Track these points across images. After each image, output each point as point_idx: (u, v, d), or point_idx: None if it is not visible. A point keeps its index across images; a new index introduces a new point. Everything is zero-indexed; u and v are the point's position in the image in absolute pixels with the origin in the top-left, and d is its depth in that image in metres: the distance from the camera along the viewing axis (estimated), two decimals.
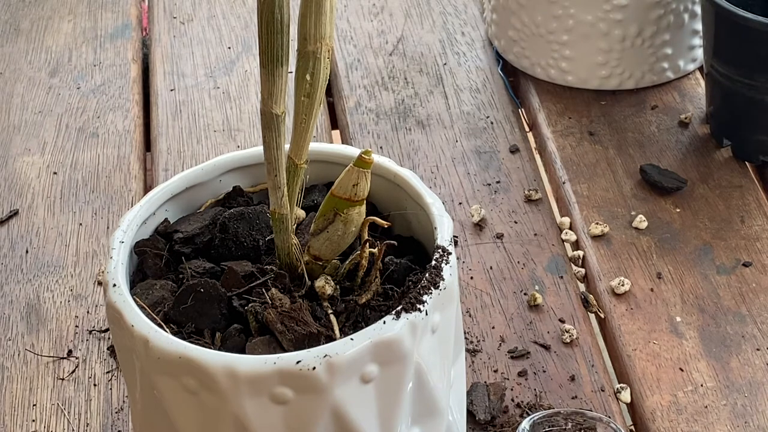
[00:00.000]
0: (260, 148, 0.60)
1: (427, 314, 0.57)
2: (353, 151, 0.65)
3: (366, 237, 0.60)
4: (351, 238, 0.60)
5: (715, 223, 0.90)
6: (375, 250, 0.60)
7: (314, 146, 0.65)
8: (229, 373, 0.54)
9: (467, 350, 0.81)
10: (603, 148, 0.97)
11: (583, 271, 0.87)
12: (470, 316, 0.84)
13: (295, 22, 0.56)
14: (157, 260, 0.63)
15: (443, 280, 0.58)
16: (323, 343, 0.56)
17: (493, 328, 0.83)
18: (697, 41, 1.02)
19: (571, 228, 0.91)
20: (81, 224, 0.93)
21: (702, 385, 0.78)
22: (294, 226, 0.61)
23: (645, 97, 1.02)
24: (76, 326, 0.84)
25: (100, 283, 0.88)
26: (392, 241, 0.60)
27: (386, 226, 0.61)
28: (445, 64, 1.07)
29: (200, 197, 0.67)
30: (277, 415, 0.56)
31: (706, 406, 0.77)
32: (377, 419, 0.58)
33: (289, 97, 0.63)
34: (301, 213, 0.63)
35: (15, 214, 0.94)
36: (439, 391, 0.60)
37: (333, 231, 0.59)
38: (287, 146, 0.59)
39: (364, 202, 0.59)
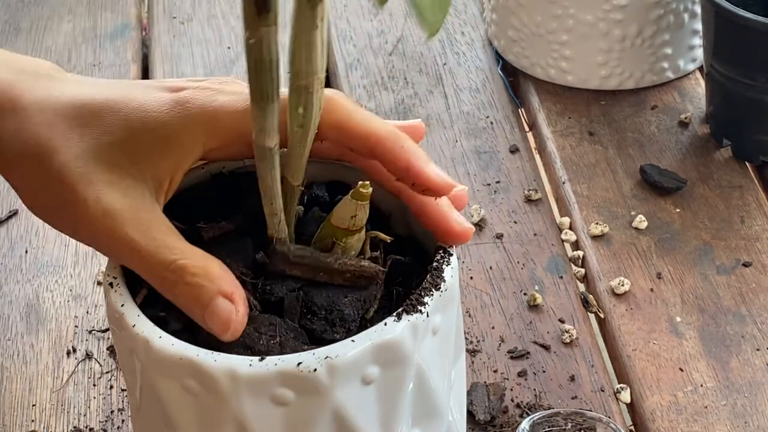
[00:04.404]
0: None
1: (428, 316, 0.57)
2: None
3: (369, 253, 0.60)
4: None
5: (715, 223, 0.90)
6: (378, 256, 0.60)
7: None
8: (229, 375, 0.54)
9: (467, 350, 0.81)
10: (603, 148, 0.97)
11: (582, 271, 0.87)
12: (470, 316, 0.84)
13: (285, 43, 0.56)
14: None
15: (444, 281, 0.58)
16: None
17: (493, 328, 0.83)
18: (697, 41, 1.02)
19: (570, 228, 0.91)
20: None
21: (702, 386, 0.78)
22: (293, 241, 0.61)
23: (645, 97, 1.02)
24: (76, 326, 0.84)
25: (99, 283, 0.88)
26: (399, 257, 0.60)
27: (389, 241, 0.61)
28: (444, 64, 1.07)
29: None
30: (278, 416, 0.56)
31: (706, 407, 0.77)
32: (378, 421, 0.58)
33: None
34: (299, 209, 0.63)
35: (14, 214, 0.94)
36: (440, 392, 0.60)
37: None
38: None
39: (364, 228, 0.59)
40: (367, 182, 0.58)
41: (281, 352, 0.56)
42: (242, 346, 0.56)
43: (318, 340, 0.57)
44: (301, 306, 0.58)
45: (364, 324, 0.59)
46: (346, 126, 0.59)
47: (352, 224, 0.59)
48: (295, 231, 0.61)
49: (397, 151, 0.58)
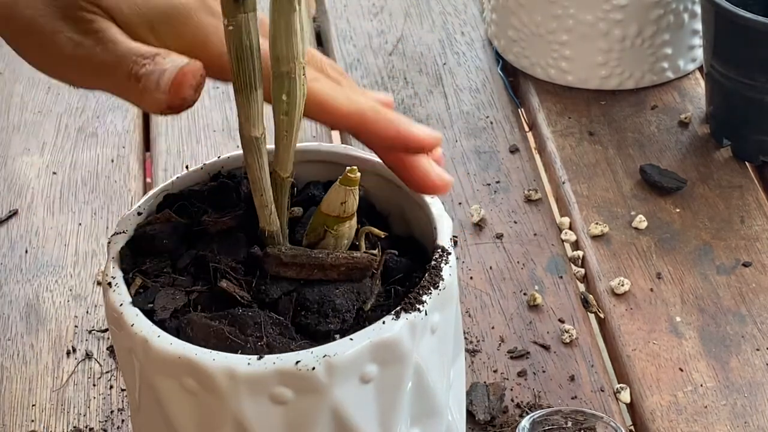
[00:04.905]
0: None
1: (426, 314, 0.57)
2: (352, 151, 0.65)
3: (364, 248, 0.60)
4: (344, 250, 0.60)
5: (715, 223, 0.90)
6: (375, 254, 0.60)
7: (313, 146, 0.65)
8: (228, 374, 0.54)
9: (467, 350, 0.81)
10: (603, 148, 0.97)
11: (582, 271, 0.87)
12: (470, 316, 0.84)
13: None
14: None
15: (443, 280, 0.58)
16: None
17: (493, 328, 0.83)
18: (697, 41, 1.02)
19: (570, 228, 0.91)
20: (80, 224, 0.93)
21: (702, 385, 0.78)
22: (286, 235, 0.61)
23: (645, 97, 1.02)
24: (76, 326, 0.84)
25: (99, 283, 0.88)
26: (393, 251, 0.60)
27: (382, 236, 0.61)
28: (444, 63, 1.07)
29: None
30: (277, 415, 0.56)
31: (706, 407, 0.77)
32: (377, 419, 0.58)
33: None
34: (298, 210, 0.63)
35: (14, 214, 0.94)
36: (439, 392, 0.60)
37: (324, 246, 0.59)
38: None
39: (354, 215, 0.59)
40: (355, 167, 0.58)
41: (270, 353, 0.55)
42: (229, 349, 0.56)
43: (313, 334, 0.57)
44: (294, 305, 0.58)
45: (363, 318, 0.59)
46: (329, 107, 0.60)
47: (342, 211, 0.59)
48: (292, 231, 0.61)
49: (382, 122, 0.60)
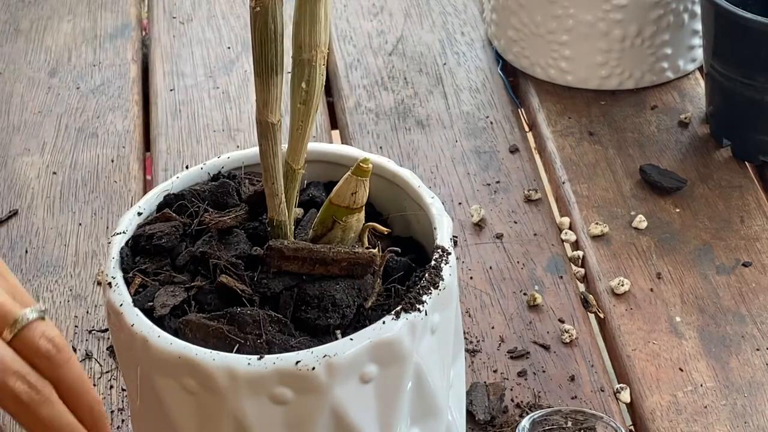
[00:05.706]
0: None
1: (426, 314, 0.57)
2: (352, 152, 0.65)
3: (367, 244, 0.60)
4: (350, 244, 0.60)
5: (714, 223, 0.90)
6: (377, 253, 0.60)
7: (313, 146, 0.65)
8: (228, 374, 0.54)
9: (467, 350, 0.81)
10: (603, 148, 0.97)
11: (582, 271, 0.87)
12: (470, 316, 0.84)
13: (289, 29, 0.56)
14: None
15: (443, 280, 0.58)
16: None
17: (493, 328, 0.83)
18: (697, 41, 1.02)
19: (570, 228, 0.91)
20: (80, 224, 0.93)
21: (702, 385, 0.78)
22: (293, 228, 0.61)
23: (645, 97, 1.02)
24: (76, 326, 0.84)
25: (99, 283, 0.88)
26: (396, 248, 0.60)
27: (386, 233, 0.61)
28: (444, 64, 1.07)
29: None
30: (277, 415, 0.56)
31: (706, 406, 0.77)
32: (377, 419, 0.58)
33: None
34: (299, 211, 0.63)
35: (14, 214, 0.94)
36: (439, 391, 0.60)
37: (332, 238, 0.59)
38: (285, 146, 0.59)
39: (363, 208, 0.59)
40: (368, 158, 0.58)
41: (270, 352, 0.56)
42: (229, 347, 0.56)
43: (312, 329, 0.57)
44: (295, 300, 0.58)
45: (363, 316, 0.58)
46: None
47: (353, 201, 0.58)
48: (294, 232, 0.61)
49: None
